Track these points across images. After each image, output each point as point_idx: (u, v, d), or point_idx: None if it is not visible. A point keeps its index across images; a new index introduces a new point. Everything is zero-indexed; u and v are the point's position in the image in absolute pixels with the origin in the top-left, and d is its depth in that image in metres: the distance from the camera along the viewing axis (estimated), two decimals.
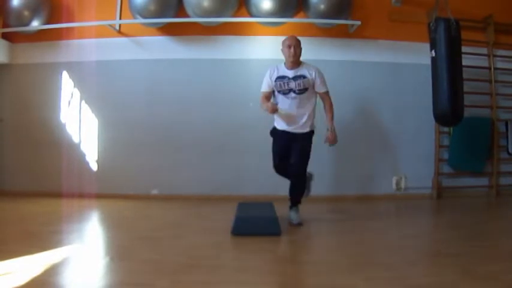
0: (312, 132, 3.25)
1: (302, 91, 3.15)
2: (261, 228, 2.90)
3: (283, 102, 3.19)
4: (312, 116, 3.25)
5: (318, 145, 4.46)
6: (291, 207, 3.25)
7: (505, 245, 2.74)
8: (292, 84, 3.15)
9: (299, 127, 3.21)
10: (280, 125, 3.26)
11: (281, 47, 3.23)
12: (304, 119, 3.19)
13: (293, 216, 3.21)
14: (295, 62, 3.17)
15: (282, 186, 4.28)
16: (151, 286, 1.97)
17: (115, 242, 2.87)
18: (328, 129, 3.22)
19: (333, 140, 3.22)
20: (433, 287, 1.98)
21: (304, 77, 3.15)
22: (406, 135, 4.55)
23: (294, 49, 3.12)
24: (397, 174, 4.53)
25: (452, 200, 4.37)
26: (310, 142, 3.24)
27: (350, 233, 3.08)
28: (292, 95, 3.16)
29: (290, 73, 3.17)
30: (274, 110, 3.11)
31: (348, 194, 4.44)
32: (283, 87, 3.17)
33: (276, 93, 3.22)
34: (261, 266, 2.33)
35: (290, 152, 3.20)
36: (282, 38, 4.43)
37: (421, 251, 2.66)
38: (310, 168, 4.44)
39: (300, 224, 3.15)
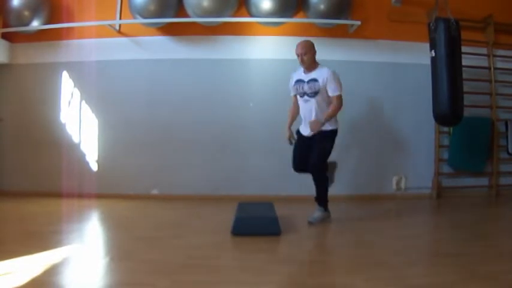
0: (332, 132, 3.27)
1: (313, 94, 3.23)
2: (261, 228, 2.90)
3: (301, 104, 3.34)
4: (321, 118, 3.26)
5: None
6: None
7: (505, 245, 2.74)
8: (306, 87, 3.25)
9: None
10: (302, 129, 3.37)
11: None
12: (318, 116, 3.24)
13: (316, 214, 3.27)
14: (307, 68, 3.27)
15: (282, 186, 4.30)
16: (151, 286, 1.97)
17: (115, 242, 2.87)
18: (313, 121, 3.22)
19: (314, 125, 3.17)
20: (433, 287, 1.98)
21: (315, 80, 3.21)
22: (406, 135, 4.55)
23: (301, 57, 3.22)
24: (397, 174, 4.53)
25: (452, 200, 4.37)
26: (330, 141, 3.26)
27: (350, 233, 3.08)
28: (306, 97, 3.27)
29: (305, 77, 3.27)
30: (289, 139, 3.38)
31: (348, 194, 4.43)
32: (299, 90, 3.30)
33: (297, 96, 3.37)
34: (261, 266, 2.33)
35: (307, 151, 3.27)
36: (282, 38, 4.50)
37: (421, 251, 2.66)
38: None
39: (310, 223, 3.22)
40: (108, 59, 4.46)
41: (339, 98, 3.24)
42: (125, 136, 4.44)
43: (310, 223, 3.21)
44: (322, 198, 3.28)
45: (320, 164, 3.21)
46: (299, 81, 3.30)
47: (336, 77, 3.23)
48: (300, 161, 3.32)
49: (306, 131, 3.30)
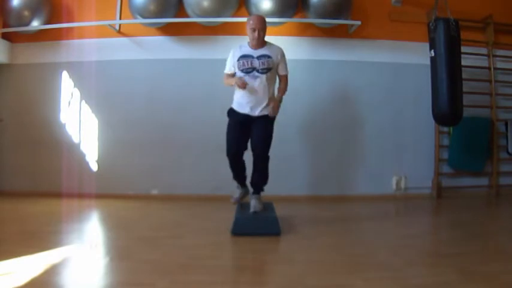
0: (275, 116, 3.13)
1: (265, 70, 3.05)
2: (261, 228, 2.90)
3: (249, 82, 3.06)
4: (273, 98, 3.14)
5: (318, 145, 4.49)
6: (253, 193, 3.16)
7: (505, 245, 2.74)
8: (256, 63, 3.06)
9: (262, 109, 3.08)
10: (242, 107, 3.12)
11: (246, 26, 3.12)
12: (266, 100, 3.08)
13: (255, 203, 3.09)
14: (259, 44, 3.11)
15: (282, 186, 4.29)
16: (151, 286, 1.97)
17: (115, 242, 2.87)
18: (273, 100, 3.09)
19: (275, 108, 3.06)
20: (433, 287, 1.98)
21: (269, 56, 3.08)
22: (406, 135, 4.55)
23: (258, 33, 3.04)
24: (397, 174, 4.53)
25: (452, 200, 4.37)
26: (272, 126, 3.12)
27: (350, 233, 3.08)
28: (255, 74, 3.05)
29: (254, 52, 3.09)
30: (244, 83, 2.98)
31: (347, 194, 4.44)
32: (246, 65, 3.06)
33: (238, 72, 3.11)
34: (261, 266, 2.33)
35: (248, 137, 3.11)
36: (282, 38, 4.49)
37: (421, 251, 2.66)
38: (314, 166, 4.47)
39: (255, 212, 3.05)
40: (108, 59, 4.46)
41: (287, 77, 3.18)
42: (125, 136, 4.44)
43: (256, 212, 3.05)
44: (263, 184, 3.16)
45: (267, 151, 3.07)
46: (245, 56, 3.07)
47: (285, 56, 3.18)
48: (239, 145, 3.10)
49: (249, 109, 3.08)
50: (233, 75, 3.16)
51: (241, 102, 3.12)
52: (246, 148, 3.15)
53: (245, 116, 3.12)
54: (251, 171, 3.19)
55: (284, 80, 3.20)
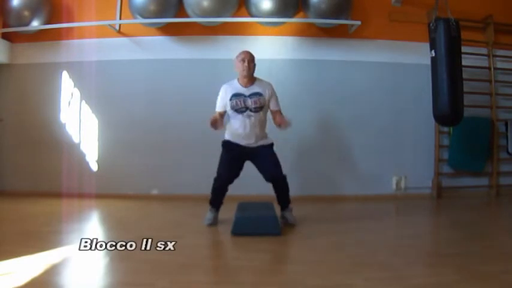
0: (272, 145, 3.19)
1: (258, 109, 3.08)
2: (261, 228, 2.90)
3: (237, 121, 3.10)
4: (265, 132, 3.20)
5: (318, 145, 4.49)
6: (284, 209, 3.24)
7: (505, 245, 2.74)
8: (249, 102, 3.07)
9: (256, 142, 3.14)
10: (239, 139, 3.15)
11: (234, 62, 3.14)
12: (259, 137, 3.13)
13: (289, 216, 3.21)
14: (249, 76, 3.10)
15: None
16: (151, 286, 1.97)
17: (115, 242, 2.86)
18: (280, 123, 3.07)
19: (286, 122, 3.05)
20: (433, 287, 1.98)
21: (260, 94, 3.09)
22: (406, 135, 4.55)
23: (248, 63, 3.04)
24: (397, 174, 4.53)
25: (452, 200, 4.37)
26: (273, 151, 3.17)
27: (350, 233, 3.08)
28: (249, 113, 3.07)
29: (245, 90, 3.09)
30: (218, 122, 2.98)
31: (348, 194, 4.44)
32: (239, 105, 3.07)
33: (230, 111, 3.12)
34: (261, 266, 2.33)
35: (242, 167, 3.15)
36: (282, 38, 4.50)
37: (421, 251, 2.66)
38: (314, 166, 4.46)
39: (293, 225, 3.17)
40: (108, 59, 4.46)
41: (281, 113, 3.15)
42: (125, 136, 4.44)
43: (293, 224, 3.17)
44: (289, 202, 3.24)
45: (282, 171, 3.11)
46: (237, 95, 3.07)
47: (275, 91, 3.17)
48: (231, 176, 3.11)
49: (245, 142, 3.12)
50: (223, 113, 3.15)
51: (239, 134, 3.12)
52: (237, 177, 3.17)
53: (242, 147, 3.13)
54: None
55: (279, 114, 3.14)
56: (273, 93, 3.16)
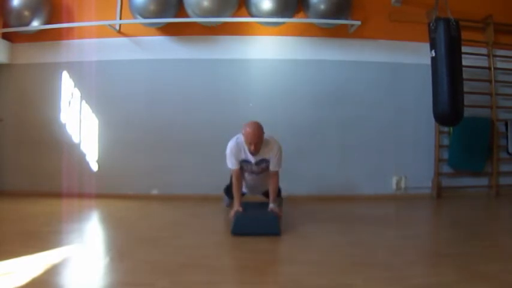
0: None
1: (263, 171, 3.25)
2: (261, 228, 2.90)
3: (247, 174, 3.31)
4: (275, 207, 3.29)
5: (318, 145, 4.49)
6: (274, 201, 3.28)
7: (505, 245, 2.74)
8: (255, 168, 3.22)
9: (259, 191, 3.54)
10: (246, 190, 3.47)
11: (242, 131, 3.10)
12: (262, 186, 3.41)
13: (274, 208, 3.20)
14: (256, 153, 3.11)
15: (282, 186, 4.28)
16: (151, 286, 1.97)
17: (115, 242, 2.87)
18: (272, 208, 3.15)
19: (279, 212, 3.16)
20: (433, 287, 1.98)
21: (266, 161, 3.18)
22: (406, 135, 4.55)
23: (254, 146, 3.04)
24: (397, 174, 4.54)
25: (452, 200, 4.37)
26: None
27: (350, 233, 3.08)
28: (254, 175, 3.28)
29: (253, 159, 3.15)
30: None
31: (347, 194, 4.44)
32: (247, 169, 3.25)
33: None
34: (261, 266, 2.33)
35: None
36: (282, 38, 4.50)
37: (421, 251, 2.66)
38: (311, 164, 4.47)
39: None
40: (108, 59, 4.46)
41: (278, 173, 3.23)
42: (125, 136, 4.44)
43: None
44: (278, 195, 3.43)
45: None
46: (245, 161, 3.18)
47: (281, 152, 3.18)
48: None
49: (248, 191, 3.50)
50: (240, 168, 3.22)
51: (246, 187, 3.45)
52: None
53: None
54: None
55: (274, 177, 3.22)
56: (278, 156, 3.16)
